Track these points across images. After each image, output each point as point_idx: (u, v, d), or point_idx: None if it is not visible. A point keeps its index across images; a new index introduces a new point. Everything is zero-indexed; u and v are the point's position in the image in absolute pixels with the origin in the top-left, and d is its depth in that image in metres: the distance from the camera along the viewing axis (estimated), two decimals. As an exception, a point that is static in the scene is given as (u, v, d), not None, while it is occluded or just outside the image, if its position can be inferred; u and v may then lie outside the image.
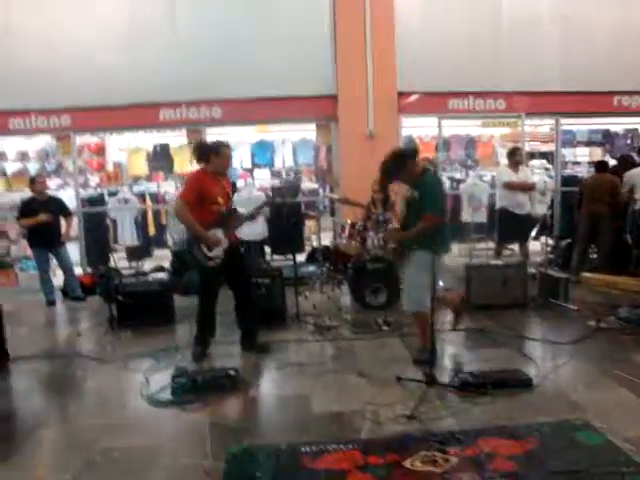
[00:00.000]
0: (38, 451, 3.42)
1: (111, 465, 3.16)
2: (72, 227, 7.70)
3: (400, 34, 8.24)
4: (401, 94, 8.34)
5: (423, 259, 4.35)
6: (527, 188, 7.52)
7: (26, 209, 7.27)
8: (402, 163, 4.46)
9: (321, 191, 9.69)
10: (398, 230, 4.80)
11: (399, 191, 5.08)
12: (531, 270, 6.78)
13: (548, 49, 8.51)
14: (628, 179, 7.43)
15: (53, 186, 9.49)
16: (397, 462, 3.05)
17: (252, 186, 8.95)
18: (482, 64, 8.38)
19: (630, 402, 3.79)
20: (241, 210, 5.39)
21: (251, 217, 5.25)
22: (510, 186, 7.47)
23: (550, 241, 8.82)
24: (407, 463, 3.03)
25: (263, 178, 10.73)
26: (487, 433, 3.34)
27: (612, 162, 8.72)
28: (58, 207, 7.40)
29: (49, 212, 7.16)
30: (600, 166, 7.71)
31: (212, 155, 4.83)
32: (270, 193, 9.22)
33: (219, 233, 4.80)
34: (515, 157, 7.58)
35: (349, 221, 6.77)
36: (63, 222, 7.47)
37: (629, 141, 10.92)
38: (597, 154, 10.97)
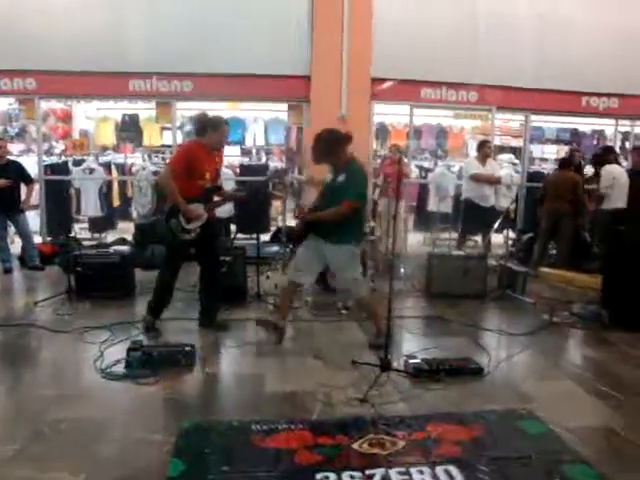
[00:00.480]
0: (-16, 421, 3.37)
1: (59, 436, 3.13)
2: (32, 194, 7.52)
3: (377, 20, 8.21)
4: (375, 80, 8.33)
5: (352, 251, 4.54)
6: (493, 181, 7.65)
7: None
8: (338, 145, 4.49)
9: (290, 172, 9.64)
10: (312, 211, 4.71)
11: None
12: (492, 262, 6.92)
13: (523, 45, 8.60)
14: (607, 174, 7.44)
15: (15, 151, 9.24)
16: (345, 444, 3.09)
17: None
18: (457, 55, 8.42)
19: (576, 394, 3.92)
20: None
21: (234, 197, 5.24)
22: (476, 178, 7.57)
23: (512, 235, 9.03)
24: (355, 445, 3.08)
25: (233, 155, 10.65)
26: (435, 419, 3.41)
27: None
28: (18, 172, 7.21)
29: (8, 177, 6.98)
30: (563, 163, 7.86)
31: (210, 129, 4.78)
32: (268, 173, 9.11)
33: (200, 208, 4.77)
34: (484, 150, 7.68)
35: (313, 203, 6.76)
36: (23, 188, 7.29)
37: (595, 141, 11.17)
38: (564, 152, 11.18)
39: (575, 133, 11.33)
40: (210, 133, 4.78)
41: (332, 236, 4.46)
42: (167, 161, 5.54)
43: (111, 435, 3.16)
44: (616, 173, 7.42)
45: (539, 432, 3.31)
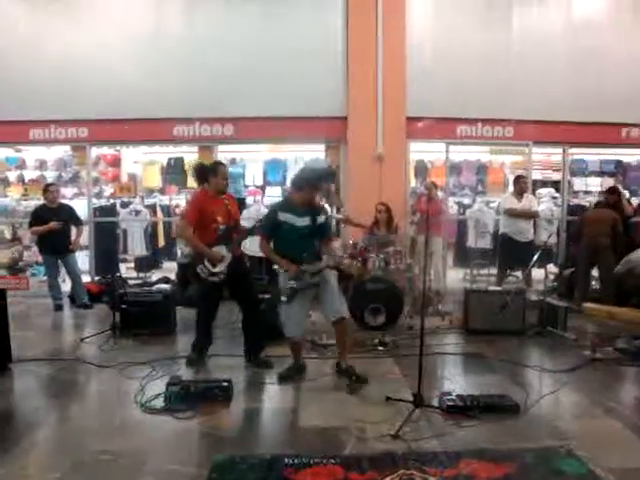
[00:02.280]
0: (30, 450, 3.51)
1: (98, 467, 3.25)
2: (82, 236, 7.89)
3: (410, 60, 8.40)
4: (409, 119, 8.46)
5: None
6: (529, 216, 7.59)
7: (37, 216, 7.49)
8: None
9: (328, 211, 9.79)
10: None
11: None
12: (533, 298, 6.83)
13: (557, 78, 8.59)
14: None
15: (69, 195, 9.72)
16: (376, 479, 3.10)
17: (261, 203, 9.09)
18: (491, 91, 8.48)
19: (617, 433, 3.80)
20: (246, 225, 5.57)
21: (253, 231, 5.39)
22: (511, 213, 7.56)
23: (554, 269, 8.89)
24: (385, 481, 3.09)
25: (274, 195, 10.87)
26: (468, 455, 3.38)
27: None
28: (69, 215, 7.61)
29: (59, 220, 7.36)
30: (599, 203, 7.74)
31: (210, 175, 5.07)
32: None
33: (222, 250, 4.96)
34: (518, 184, 7.69)
35: (351, 241, 6.89)
36: (74, 230, 7.66)
37: (642, 172, 10.93)
38: (609, 184, 10.98)
39: (620, 165, 11.11)
40: (211, 179, 5.07)
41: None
42: (180, 216, 5.88)
43: (147, 467, 3.26)
44: None
45: (579, 472, 3.22)
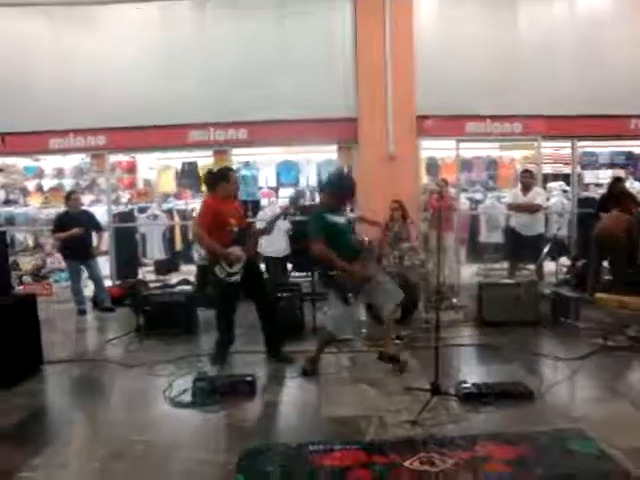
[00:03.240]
0: (68, 443, 3.74)
1: (135, 456, 3.45)
2: (103, 241, 8.13)
3: (419, 59, 8.54)
4: (420, 117, 8.60)
5: None
6: (531, 210, 7.70)
7: (60, 223, 7.72)
8: None
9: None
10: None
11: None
12: (545, 290, 6.95)
13: (564, 73, 8.70)
14: None
15: (86, 202, 9.94)
16: (398, 462, 3.27)
17: (275, 204, 9.28)
18: (499, 88, 8.58)
19: (627, 415, 3.95)
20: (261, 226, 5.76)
21: (266, 231, 5.58)
22: (512, 207, 7.71)
23: (567, 261, 8.99)
24: (407, 463, 3.26)
25: (288, 197, 11.05)
26: (484, 438, 3.54)
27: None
28: (90, 221, 7.86)
29: (82, 226, 7.60)
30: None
31: (221, 181, 5.27)
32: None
33: (237, 250, 5.15)
34: (523, 179, 7.82)
35: (366, 239, 7.03)
36: (95, 236, 7.90)
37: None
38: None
39: (630, 156, 11.13)
40: (221, 185, 5.25)
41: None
42: (194, 221, 6.08)
43: (180, 456, 3.46)
44: None
45: (589, 451, 3.38)
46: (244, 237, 5.29)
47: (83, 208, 8.15)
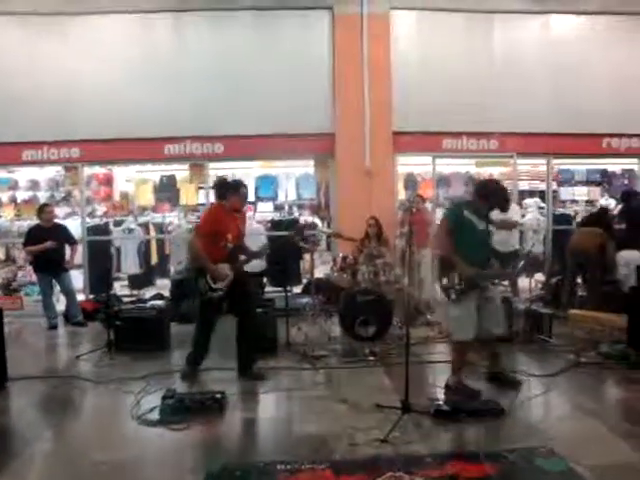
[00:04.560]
0: (29, 463, 3.62)
1: (98, 477, 3.36)
2: (76, 255, 8.01)
3: (396, 76, 8.61)
4: (396, 133, 8.66)
5: None
6: (507, 226, 7.75)
7: (32, 236, 7.60)
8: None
9: (319, 225, 9.94)
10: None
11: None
12: (520, 306, 6.97)
13: (539, 92, 8.85)
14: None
15: (61, 214, 9.81)
16: (365, 481, 3.23)
17: (252, 219, 9.23)
18: (475, 105, 8.67)
19: (597, 433, 3.96)
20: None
21: (259, 255, 5.54)
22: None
23: (541, 278, 9.06)
24: (374, 482, 3.22)
25: (266, 211, 11.02)
26: (454, 457, 3.52)
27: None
28: (63, 235, 7.74)
29: (54, 240, 7.48)
30: (589, 221, 7.95)
31: (230, 192, 5.19)
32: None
33: (226, 268, 5.09)
34: None
35: (341, 255, 7.04)
36: (68, 249, 7.77)
37: (626, 181, 11.16)
38: (595, 193, 11.22)
39: (605, 174, 11.33)
40: (230, 196, 5.18)
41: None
42: (195, 225, 5.96)
43: (145, 476, 3.38)
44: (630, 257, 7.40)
45: (559, 470, 3.39)
46: (237, 255, 5.23)
47: (56, 221, 8.02)
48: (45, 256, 7.48)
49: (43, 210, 7.75)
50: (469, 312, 4.62)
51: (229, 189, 5.24)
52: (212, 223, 5.14)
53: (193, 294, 5.39)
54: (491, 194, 4.77)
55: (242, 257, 5.35)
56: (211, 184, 9.39)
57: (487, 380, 4.95)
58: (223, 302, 5.25)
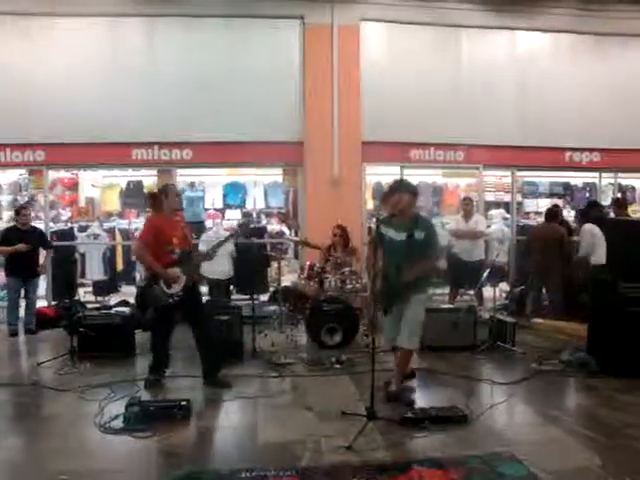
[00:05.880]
0: (-13, 473, 3.54)
1: (59, 486, 3.30)
2: (49, 259, 7.86)
3: (366, 86, 8.70)
4: (365, 143, 8.74)
5: (425, 299, 4.92)
6: (472, 236, 7.93)
7: (5, 238, 7.46)
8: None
9: (287, 233, 9.95)
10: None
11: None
12: (484, 315, 7.10)
13: (505, 105, 9.08)
14: (585, 234, 7.58)
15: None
16: (330, 489, 3.25)
17: (220, 225, 9.18)
18: (443, 117, 8.84)
19: (557, 438, 4.05)
20: (204, 248, 5.69)
21: (208, 256, 5.53)
22: (454, 234, 7.95)
23: (506, 287, 9.24)
24: (340, 489, 3.23)
25: (234, 218, 10.97)
26: (417, 464, 3.56)
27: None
28: (39, 239, 7.63)
29: (29, 243, 7.36)
30: (550, 215, 8.08)
31: (162, 198, 5.23)
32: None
33: (177, 271, 5.10)
34: (463, 206, 8.09)
35: (308, 263, 7.06)
36: (42, 254, 7.68)
37: (587, 194, 11.46)
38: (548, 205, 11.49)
39: (567, 187, 11.61)
40: (164, 201, 5.24)
41: (415, 290, 4.71)
42: (138, 236, 6.01)
43: (106, 485, 3.32)
44: (595, 231, 7.58)
45: (519, 475, 3.46)
46: (186, 260, 5.22)
47: (33, 224, 7.87)
48: (18, 259, 7.37)
49: (19, 212, 7.63)
50: (387, 321, 4.84)
51: (160, 195, 5.31)
52: (153, 229, 5.18)
53: (150, 302, 5.33)
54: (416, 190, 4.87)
55: (193, 260, 5.34)
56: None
57: (385, 397, 4.78)
58: (177, 310, 5.24)
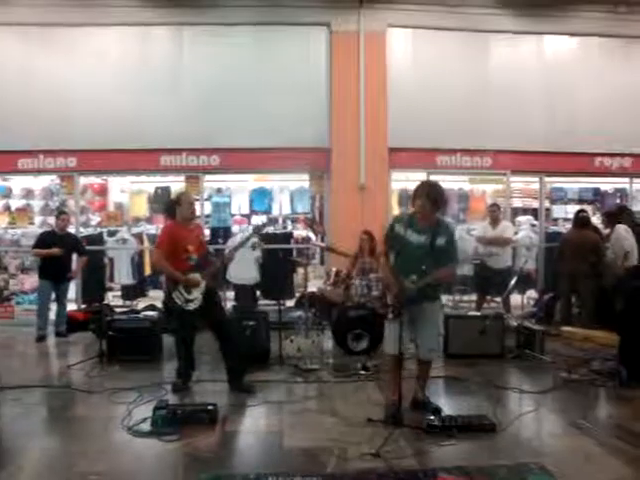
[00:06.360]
0: (17, 474, 3.59)
1: (87, 488, 3.34)
2: (82, 266, 8.00)
3: (392, 93, 8.69)
4: (392, 149, 8.72)
5: (439, 307, 4.77)
6: (499, 243, 7.84)
7: (42, 241, 7.64)
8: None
9: (313, 239, 9.96)
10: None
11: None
12: (512, 323, 7.02)
13: (532, 110, 8.98)
14: (616, 236, 7.56)
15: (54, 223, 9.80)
16: (357, 495, 3.23)
17: (246, 231, 9.24)
18: (470, 123, 8.80)
19: (589, 450, 3.96)
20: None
21: (227, 259, 5.61)
22: (480, 240, 7.87)
23: (534, 295, 9.12)
24: (366, 496, 3.22)
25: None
26: (444, 472, 3.52)
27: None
28: (73, 244, 7.78)
29: (63, 247, 7.51)
30: (582, 222, 7.95)
31: (177, 207, 5.31)
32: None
33: (197, 276, 5.18)
34: (489, 213, 8.01)
35: (334, 269, 7.07)
36: (75, 259, 7.85)
37: (618, 200, 11.26)
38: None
39: (597, 192, 11.43)
40: (178, 210, 5.30)
41: (429, 296, 4.56)
42: (154, 244, 6.10)
43: (135, 487, 3.36)
44: (629, 231, 7.46)
45: (549, 486, 3.39)
46: (204, 265, 5.28)
47: (68, 230, 8.01)
48: (52, 263, 7.52)
49: (58, 217, 7.82)
50: (394, 328, 4.47)
51: (174, 205, 5.38)
52: (168, 236, 5.24)
53: (171, 310, 5.37)
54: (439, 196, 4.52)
55: (209, 268, 5.37)
56: (205, 196, 9.44)
57: (411, 406, 4.67)
58: (198, 316, 5.29)
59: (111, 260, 9.70)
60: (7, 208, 10.31)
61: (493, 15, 8.90)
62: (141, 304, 9.29)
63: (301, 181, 10.07)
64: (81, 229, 9.33)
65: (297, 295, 9.23)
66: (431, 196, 4.47)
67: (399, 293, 4.38)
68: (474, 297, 8.57)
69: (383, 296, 4.72)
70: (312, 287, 7.72)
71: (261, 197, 10.51)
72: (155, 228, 10.57)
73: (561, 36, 9.25)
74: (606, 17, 9.01)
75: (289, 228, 10.75)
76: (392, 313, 4.44)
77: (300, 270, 9.63)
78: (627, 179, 9.87)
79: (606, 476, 3.55)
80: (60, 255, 7.52)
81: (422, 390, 4.78)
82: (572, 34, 9.21)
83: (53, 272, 7.58)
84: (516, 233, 9.33)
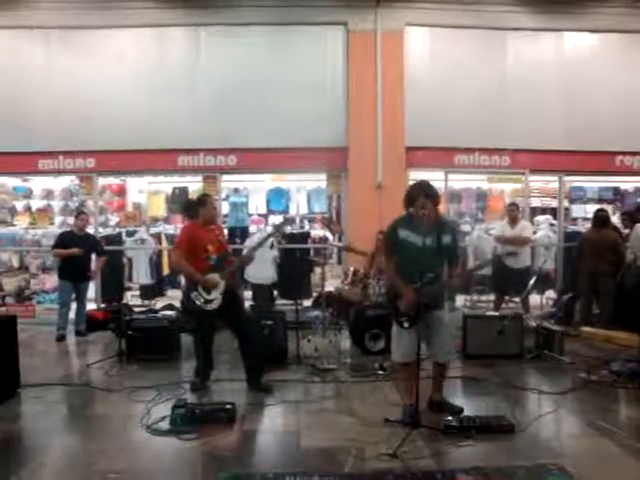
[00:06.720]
0: (38, 471, 3.65)
1: (107, 485, 3.38)
2: (101, 266, 8.07)
3: (409, 92, 8.66)
4: (409, 149, 8.70)
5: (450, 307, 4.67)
6: (518, 242, 7.76)
7: (61, 241, 7.73)
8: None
9: (330, 239, 9.95)
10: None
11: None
12: (531, 323, 6.96)
13: (551, 109, 8.89)
14: (635, 234, 7.50)
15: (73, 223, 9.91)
16: (374, 495, 3.23)
17: (263, 231, 9.26)
18: (488, 122, 8.75)
19: (610, 452, 3.92)
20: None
21: (248, 258, 5.61)
22: (499, 240, 7.80)
23: (553, 295, 9.03)
24: (383, 497, 3.21)
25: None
26: (463, 473, 3.50)
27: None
28: (92, 244, 7.85)
29: (82, 248, 7.59)
30: (602, 221, 7.86)
31: (199, 208, 5.33)
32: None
33: (216, 277, 5.19)
34: (508, 212, 7.94)
35: (352, 269, 7.06)
36: (94, 260, 7.92)
37: (639, 199, 11.10)
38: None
39: (617, 192, 11.28)
40: (201, 211, 5.32)
41: (447, 298, 4.58)
42: (174, 244, 6.11)
43: (154, 485, 3.39)
44: None
45: (569, 488, 3.36)
46: (223, 265, 5.29)
47: (87, 231, 8.10)
48: (72, 263, 7.61)
49: (78, 217, 7.89)
50: (400, 334, 4.48)
51: (197, 205, 5.39)
52: (188, 237, 5.26)
53: (190, 310, 5.40)
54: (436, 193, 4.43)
55: (229, 267, 5.37)
56: (223, 196, 9.49)
57: (428, 406, 4.65)
58: (216, 317, 5.31)
59: (130, 260, 9.78)
60: (28, 209, 10.44)
61: (511, 12, 8.81)
62: (159, 304, 9.36)
63: (318, 181, 10.08)
64: (100, 229, 9.42)
65: (314, 295, 9.24)
66: (430, 195, 4.37)
67: (413, 300, 4.27)
68: (492, 297, 8.49)
69: (391, 302, 4.59)
70: (329, 287, 7.73)
71: (278, 197, 10.53)
72: (173, 228, 10.65)
73: (580, 33, 9.12)
74: (626, 12, 8.89)
75: (306, 228, 10.76)
76: (407, 322, 4.38)
77: (317, 270, 9.64)
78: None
79: (625, 477, 3.53)
80: (79, 255, 7.60)
81: (439, 391, 4.77)
82: (592, 30, 9.08)
83: (72, 272, 7.67)
84: (535, 233, 9.24)
